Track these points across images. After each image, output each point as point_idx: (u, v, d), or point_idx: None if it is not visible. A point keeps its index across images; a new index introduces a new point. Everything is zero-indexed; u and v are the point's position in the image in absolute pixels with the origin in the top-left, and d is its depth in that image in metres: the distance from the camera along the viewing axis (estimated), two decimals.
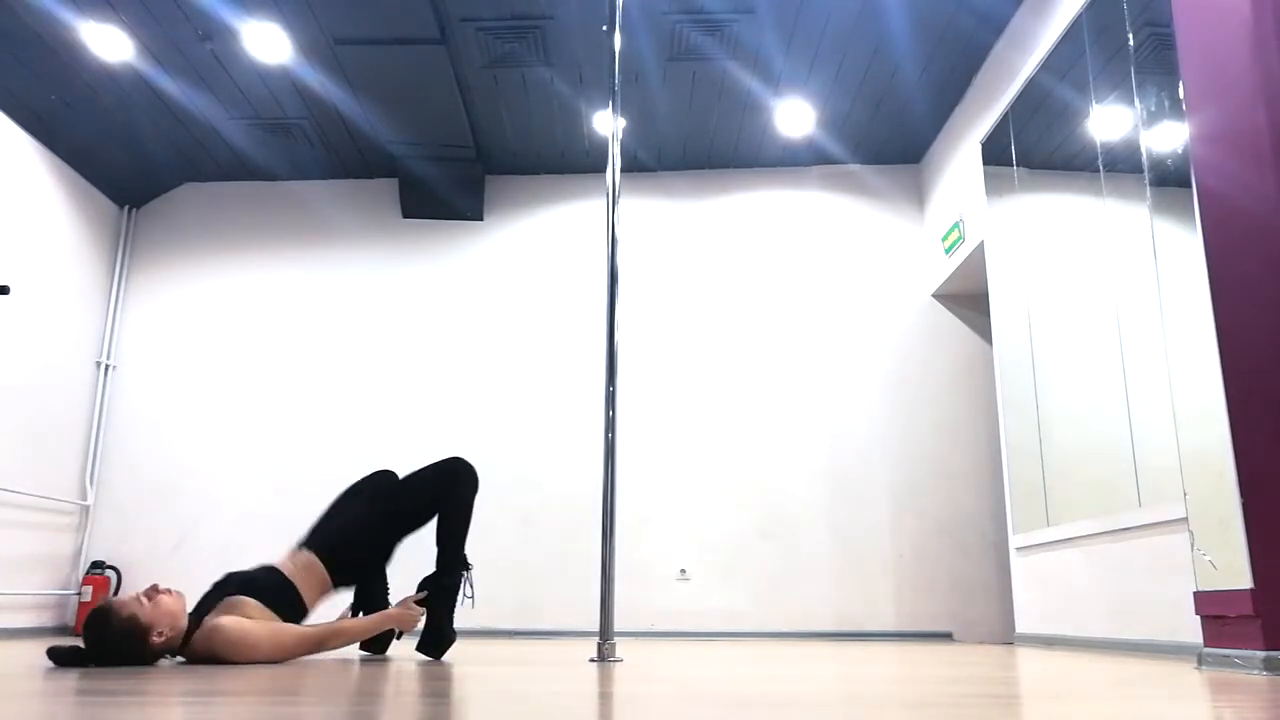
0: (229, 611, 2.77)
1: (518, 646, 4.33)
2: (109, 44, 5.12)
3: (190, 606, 2.82)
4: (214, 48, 5.24)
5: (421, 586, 3.27)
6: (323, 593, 3.11)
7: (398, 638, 3.43)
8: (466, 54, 5.34)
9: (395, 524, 3.27)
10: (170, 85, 5.55)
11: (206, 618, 2.75)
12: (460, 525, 3.29)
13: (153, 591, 2.69)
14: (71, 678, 2.12)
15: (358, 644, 3.48)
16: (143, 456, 6.27)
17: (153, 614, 2.63)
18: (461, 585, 3.27)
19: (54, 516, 5.91)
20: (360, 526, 3.24)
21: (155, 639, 2.63)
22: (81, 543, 6.09)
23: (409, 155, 6.21)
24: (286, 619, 2.90)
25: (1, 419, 5.49)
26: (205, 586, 2.96)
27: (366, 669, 2.60)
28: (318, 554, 3.12)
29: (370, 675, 2.33)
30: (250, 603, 2.82)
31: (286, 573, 3.01)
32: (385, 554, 3.31)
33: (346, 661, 2.98)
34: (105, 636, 2.57)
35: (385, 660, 3.10)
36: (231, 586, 2.88)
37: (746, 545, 5.93)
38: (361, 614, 3.42)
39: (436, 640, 3.21)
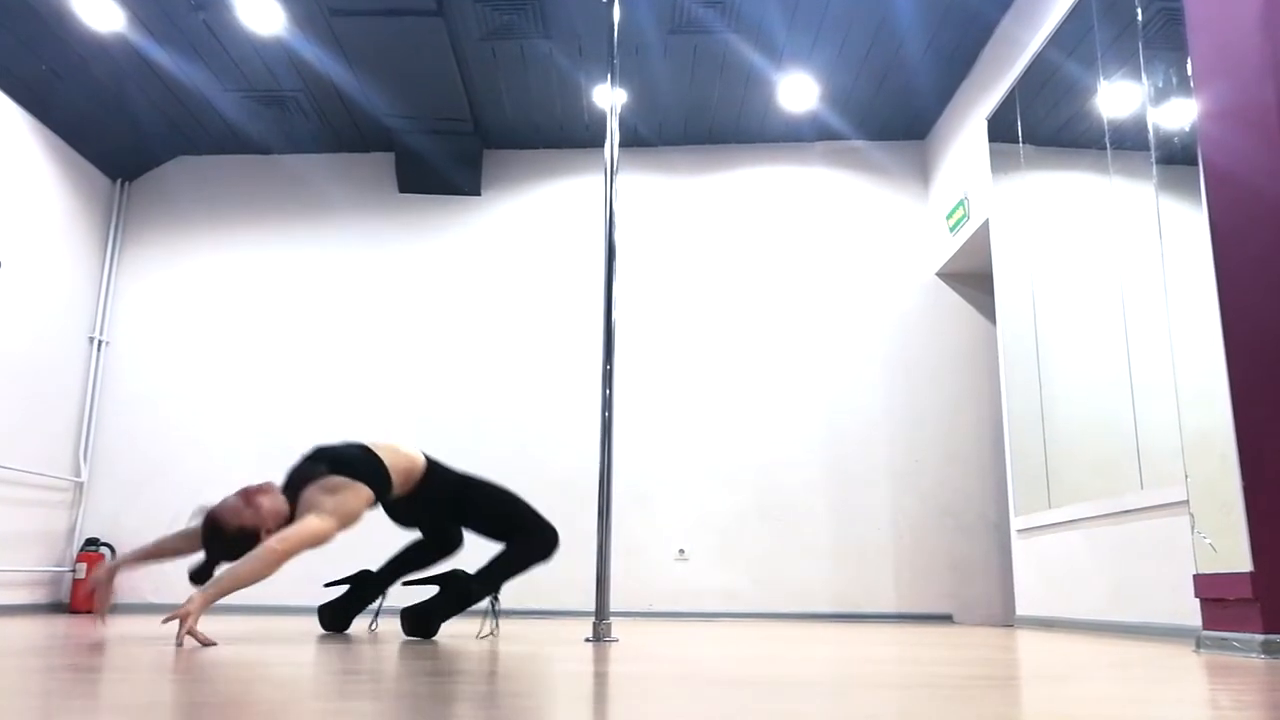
0: (316, 494, 2.98)
1: (514, 625, 4.36)
2: (100, 13, 5.09)
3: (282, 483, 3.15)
4: (206, 18, 5.21)
5: (448, 573, 3.28)
6: (404, 488, 3.28)
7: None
8: (464, 26, 5.31)
9: (472, 510, 3.43)
10: (162, 56, 5.52)
11: (304, 496, 2.98)
12: (514, 565, 3.34)
13: (249, 497, 2.92)
14: (64, 653, 2.13)
15: (319, 621, 3.56)
16: (137, 433, 6.28)
17: (258, 518, 2.89)
18: (479, 602, 3.31)
19: (48, 493, 5.93)
20: (468, 485, 3.43)
21: (265, 535, 2.88)
22: (76, 519, 6.11)
23: (405, 129, 6.19)
24: (377, 489, 3.09)
25: None
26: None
27: (353, 648, 2.62)
28: (428, 462, 3.37)
29: (356, 654, 2.34)
30: (331, 482, 3.02)
31: (377, 451, 3.22)
32: (450, 521, 3.49)
33: (327, 639, 3.00)
34: (223, 542, 2.85)
35: (371, 639, 3.12)
36: (323, 464, 3.10)
37: (745, 525, 5.95)
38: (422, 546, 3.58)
39: (423, 624, 3.20)
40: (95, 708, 1.19)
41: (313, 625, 3.97)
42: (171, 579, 5.88)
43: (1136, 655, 2.57)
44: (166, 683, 1.52)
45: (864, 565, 5.86)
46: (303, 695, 1.36)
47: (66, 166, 6.13)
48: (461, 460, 6.12)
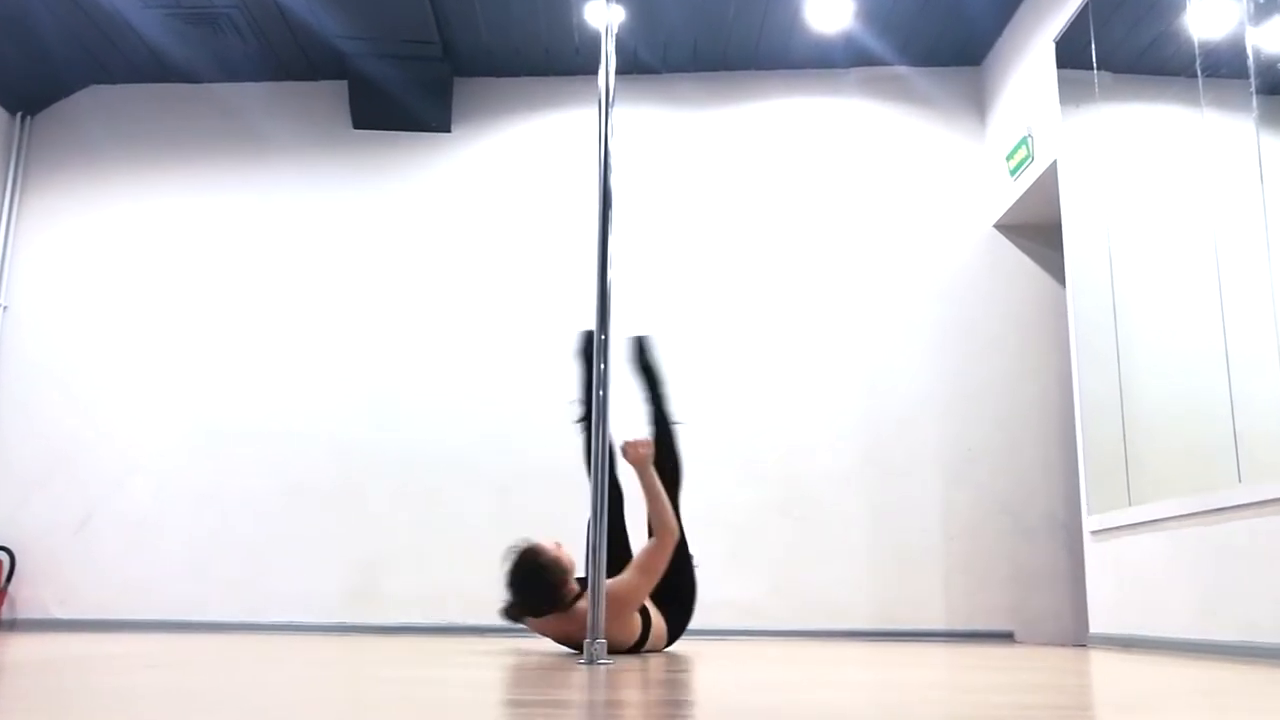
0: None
1: (495, 644, 4.36)
2: None
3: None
4: None
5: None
6: None
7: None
8: None
9: None
10: None
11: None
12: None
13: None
14: None
15: None
16: (41, 415, 6.26)
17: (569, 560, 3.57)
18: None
19: None
20: None
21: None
22: None
23: (361, 53, 6.14)
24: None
25: None
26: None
27: (316, 671, 2.61)
28: None
29: (320, 677, 2.34)
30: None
31: None
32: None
33: (289, 654, 2.99)
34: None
35: (358, 657, 3.12)
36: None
37: (765, 525, 5.94)
38: None
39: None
40: None
41: (252, 645, 3.96)
42: (79, 591, 5.87)
43: (1232, 681, 2.56)
44: (72, 713, 1.50)
45: (907, 573, 5.85)
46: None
47: None
48: (433, 449, 6.10)
